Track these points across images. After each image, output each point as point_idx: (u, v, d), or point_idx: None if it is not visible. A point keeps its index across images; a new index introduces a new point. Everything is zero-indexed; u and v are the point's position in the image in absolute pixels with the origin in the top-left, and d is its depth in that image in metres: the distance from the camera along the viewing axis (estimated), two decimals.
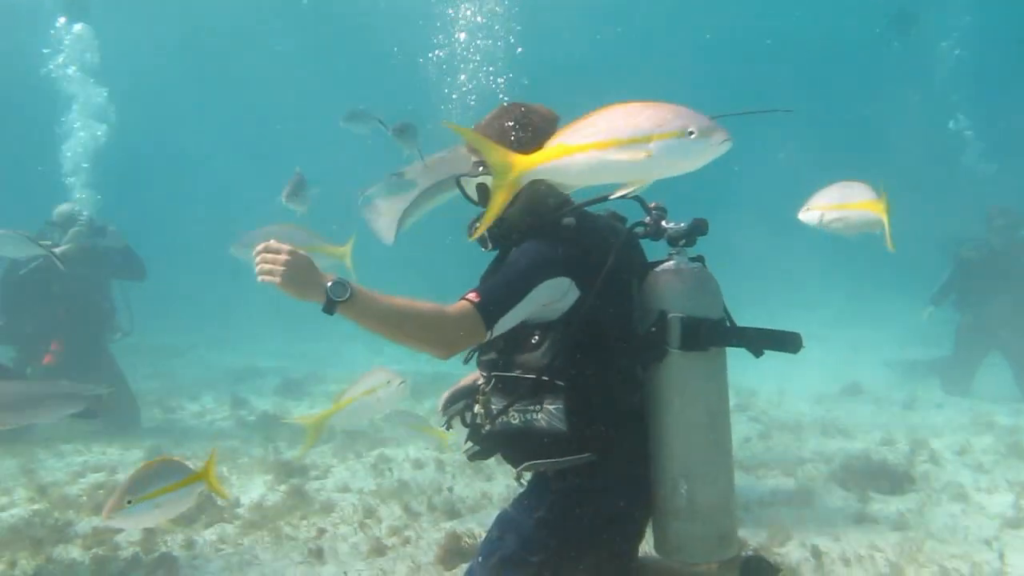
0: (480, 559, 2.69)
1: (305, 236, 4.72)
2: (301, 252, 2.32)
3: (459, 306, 2.44)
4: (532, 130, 2.67)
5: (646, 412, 2.66)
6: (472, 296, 2.46)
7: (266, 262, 2.31)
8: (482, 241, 2.82)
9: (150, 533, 4.49)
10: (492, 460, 3.05)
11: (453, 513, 4.92)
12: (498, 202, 2.39)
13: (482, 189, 2.77)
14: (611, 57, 25.21)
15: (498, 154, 2.38)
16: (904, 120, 22.44)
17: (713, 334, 2.58)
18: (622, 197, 2.60)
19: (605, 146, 2.06)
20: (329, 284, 2.27)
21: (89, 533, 4.55)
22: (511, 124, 2.70)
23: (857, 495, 4.98)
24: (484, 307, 2.44)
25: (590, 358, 2.59)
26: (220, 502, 4.89)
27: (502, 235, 2.79)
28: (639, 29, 27.22)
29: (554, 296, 2.57)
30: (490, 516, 4.74)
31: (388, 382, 3.92)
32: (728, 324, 2.67)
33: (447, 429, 3.11)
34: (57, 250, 6.95)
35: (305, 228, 4.88)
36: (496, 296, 2.49)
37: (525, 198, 2.72)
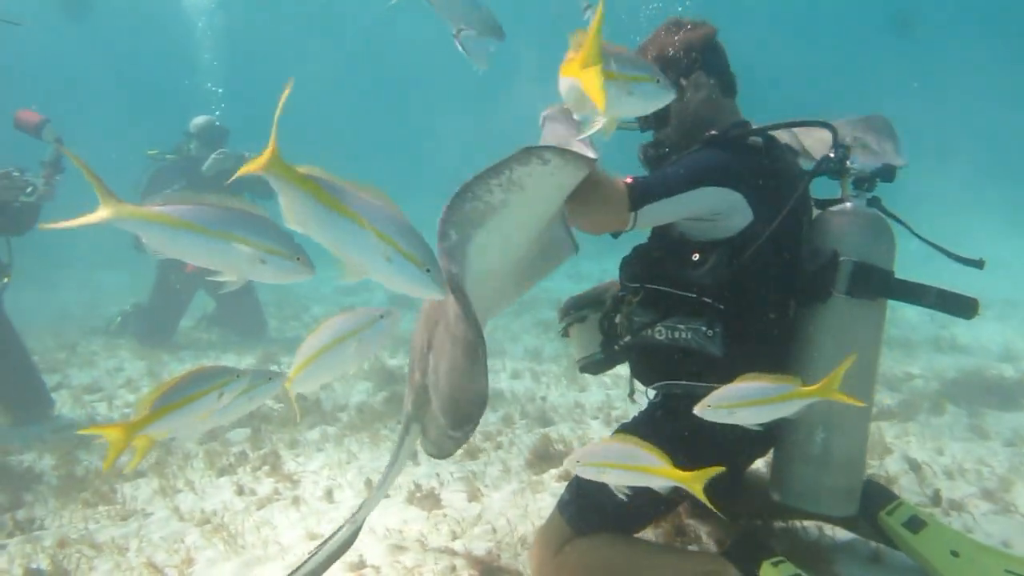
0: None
1: None
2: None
3: (612, 182, 2.36)
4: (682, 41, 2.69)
5: (794, 351, 2.55)
6: (629, 178, 2.38)
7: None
8: (643, 160, 2.81)
9: (257, 432, 4.77)
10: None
11: (546, 421, 4.99)
12: None
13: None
14: None
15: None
16: None
17: (883, 284, 2.45)
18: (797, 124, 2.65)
19: (611, 77, 1.96)
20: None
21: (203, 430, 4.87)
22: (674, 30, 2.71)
23: (967, 410, 4.74)
24: (634, 188, 2.35)
25: (752, 287, 2.49)
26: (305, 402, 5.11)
27: (658, 157, 2.74)
28: None
29: (719, 208, 2.46)
30: (583, 424, 4.82)
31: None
32: (897, 277, 2.50)
33: (564, 336, 3.08)
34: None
35: None
36: (651, 183, 2.40)
37: (678, 117, 2.69)
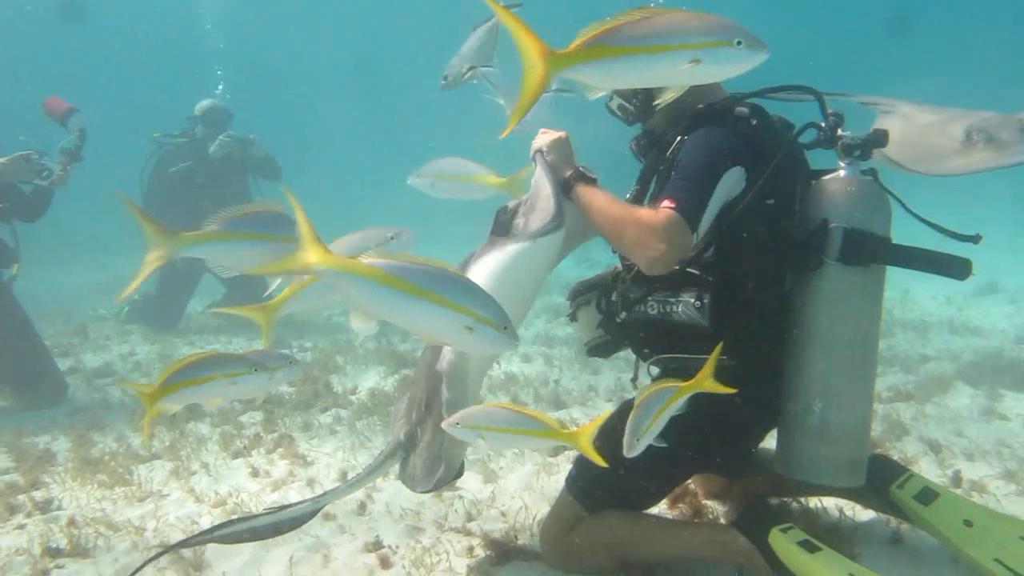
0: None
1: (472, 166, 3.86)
2: (566, 137, 2.64)
3: (661, 215, 2.26)
4: None
5: (788, 323, 2.52)
6: (667, 203, 2.28)
7: (543, 135, 2.67)
8: (635, 152, 2.79)
9: (270, 415, 4.75)
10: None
11: (559, 404, 4.97)
12: (525, 101, 2.00)
13: (623, 108, 2.75)
14: None
15: (530, 45, 1.96)
16: None
17: (876, 250, 2.40)
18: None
19: (655, 50, 1.88)
20: (580, 166, 2.57)
21: (216, 413, 4.86)
22: None
23: (985, 392, 4.70)
24: (685, 209, 2.28)
25: (741, 256, 2.46)
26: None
27: (649, 145, 2.71)
28: None
29: (731, 185, 2.43)
30: (596, 407, 4.80)
31: (390, 237, 2.71)
32: (893, 242, 2.46)
33: (572, 320, 3.06)
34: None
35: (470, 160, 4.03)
36: (691, 195, 2.33)
37: (667, 106, 2.61)
